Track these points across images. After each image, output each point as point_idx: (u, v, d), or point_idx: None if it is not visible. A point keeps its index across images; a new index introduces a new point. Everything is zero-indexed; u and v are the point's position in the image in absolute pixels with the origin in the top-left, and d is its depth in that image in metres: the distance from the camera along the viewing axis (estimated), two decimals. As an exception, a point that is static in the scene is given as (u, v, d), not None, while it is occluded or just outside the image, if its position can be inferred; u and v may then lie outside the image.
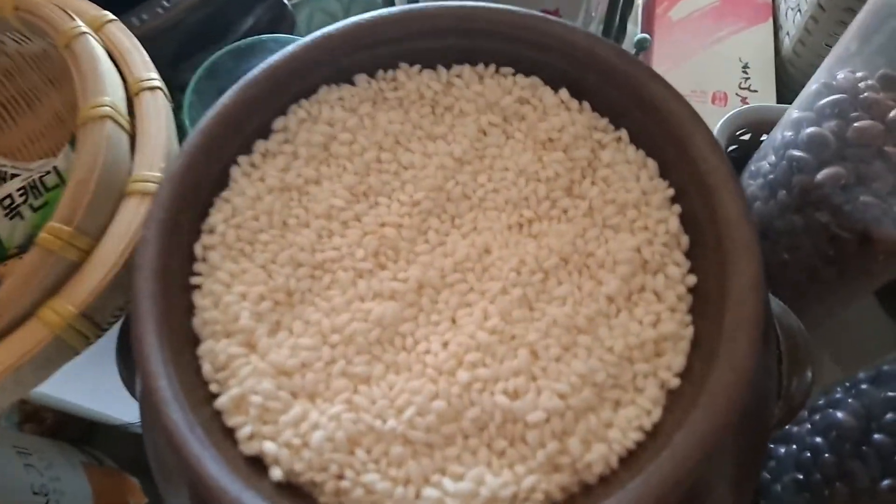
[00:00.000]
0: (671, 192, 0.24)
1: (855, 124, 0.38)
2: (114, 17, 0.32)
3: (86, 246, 0.26)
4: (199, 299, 0.23)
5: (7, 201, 0.34)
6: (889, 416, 0.34)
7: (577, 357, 0.22)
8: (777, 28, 0.55)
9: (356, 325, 0.23)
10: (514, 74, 0.26)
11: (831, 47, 0.41)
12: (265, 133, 0.25)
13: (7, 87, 0.37)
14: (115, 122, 0.28)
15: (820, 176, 0.39)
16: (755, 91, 0.52)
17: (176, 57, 0.43)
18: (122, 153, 0.28)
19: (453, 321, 0.23)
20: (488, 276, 0.24)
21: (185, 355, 0.22)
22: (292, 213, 0.24)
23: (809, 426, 0.37)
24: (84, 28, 0.30)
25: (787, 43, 0.54)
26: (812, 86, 0.40)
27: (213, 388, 0.22)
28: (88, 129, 0.27)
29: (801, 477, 0.36)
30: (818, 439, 0.36)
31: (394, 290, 0.23)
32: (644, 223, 0.23)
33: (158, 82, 0.31)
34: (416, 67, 0.26)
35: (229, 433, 0.21)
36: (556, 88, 0.26)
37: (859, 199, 0.38)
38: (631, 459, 0.21)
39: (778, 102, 0.52)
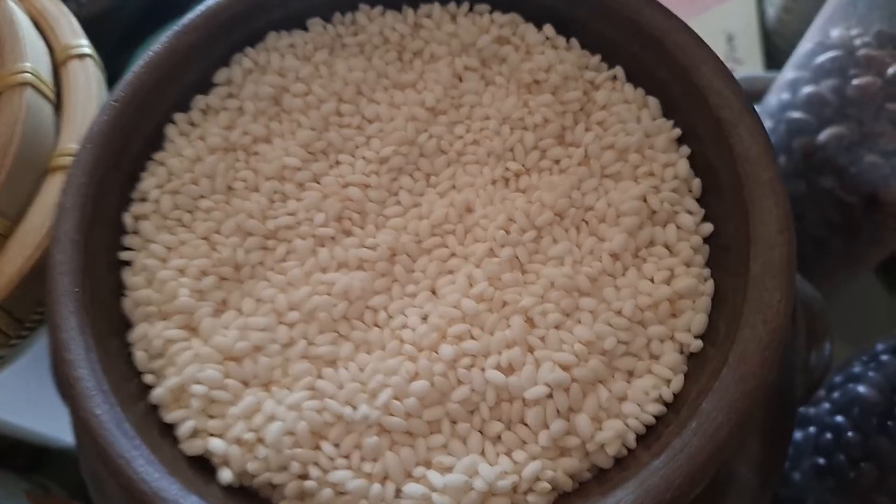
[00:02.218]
0: (678, 131, 0.21)
1: (854, 81, 0.35)
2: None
3: (3, 229, 0.23)
4: (129, 277, 0.19)
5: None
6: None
7: (581, 322, 0.19)
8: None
9: (318, 299, 0.19)
10: (490, 12, 0.23)
11: (818, 13, 0.38)
12: (205, 87, 0.22)
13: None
14: (37, 90, 0.25)
15: (822, 136, 0.36)
16: (742, 63, 0.50)
17: (122, 41, 0.39)
18: (45, 125, 0.25)
19: (433, 292, 0.20)
20: (472, 238, 0.20)
21: (113, 343, 0.18)
22: (238, 176, 0.21)
23: (829, 405, 0.34)
24: (1, -9, 0.27)
25: (771, 13, 0.51)
26: (806, 45, 0.38)
27: (148, 379, 0.18)
28: (6, 97, 0.24)
29: (823, 461, 0.33)
30: (839, 418, 0.33)
31: (362, 259, 0.20)
32: (649, 168, 0.20)
33: (88, 49, 0.27)
34: (379, 8, 0.23)
35: (168, 431, 0.18)
36: (539, 25, 0.23)
37: (865, 160, 0.36)
38: (651, 437, 0.17)
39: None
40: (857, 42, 0.36)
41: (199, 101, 0.22)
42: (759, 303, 0.17)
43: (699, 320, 0.18)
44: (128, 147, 0.20)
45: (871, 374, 0.33)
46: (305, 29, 0.23)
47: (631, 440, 0.17)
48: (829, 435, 0.33)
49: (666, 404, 0.18)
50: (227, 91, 0.22)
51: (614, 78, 0.22)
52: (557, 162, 0.21)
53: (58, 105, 0.26)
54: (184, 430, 0.17)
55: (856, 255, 0.40)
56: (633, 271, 0.19)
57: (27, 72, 0.24)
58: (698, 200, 0.20)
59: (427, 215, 0.21)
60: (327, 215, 0.20)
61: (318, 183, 0.21)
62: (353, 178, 0.21)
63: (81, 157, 0.19)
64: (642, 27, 0.21)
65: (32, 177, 0.24)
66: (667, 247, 0.20)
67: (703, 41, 0.20)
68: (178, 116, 0.21)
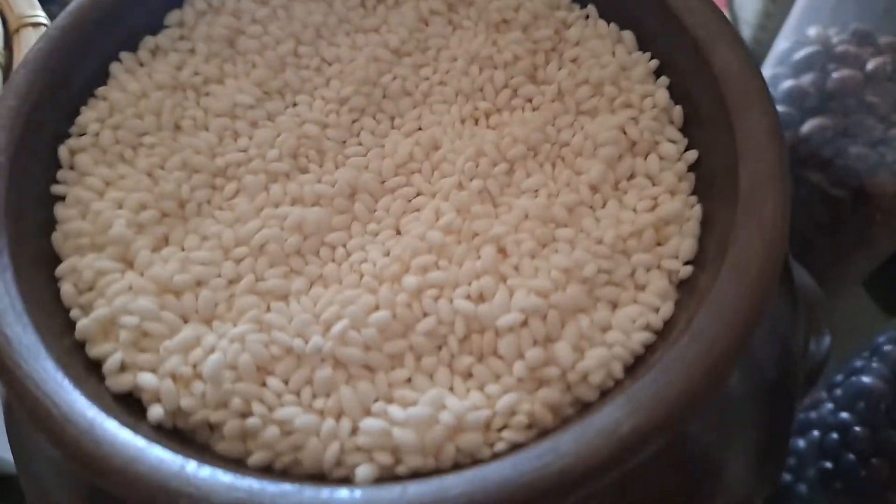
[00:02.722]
0: (655, 62, 0.19)
1: (834, 74, 0.35)
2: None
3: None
4: (61, 210, 0.18)
5: None
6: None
7: (558, 252, 0.17)
8: (734, 18, 0.54)
9: (268, 232, 0.17)
10: (458, -45, 0.22)
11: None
12: (155, 30, 0.21)
13: None
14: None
15: (805, 128, 0.36)
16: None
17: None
18: (-12, 85, 0.23)
19: (397, 231, 0.18)
20: (439, 175, 0.19)
21: (37, 277, 0.16)
22: (187, 115, 0.19)
23: (831, 405, 0.32)
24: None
25: (746, 31, 0.52)
26: (783, 43, 0.38)
27: (74, 313, 0.16)
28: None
29: (830, 465, 0.31)
30: (844, 415, 0.30)
31: (318, 195, 0.18)
32: (626, 99, 0.19)
33: (44, 19, 0.26)
34: (341, -45, 0.22)
35: (94, 369, 0.16)
36: (507, -32, 0.22)
37: (850, 151, 0.35)
38: (640, 370, 0.15)
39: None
40: (835, 39, 0.36)
41: (149, 41, 0.20)
42: (751, 212, 0.15)
43: (687, 245, 0.17)
44: (68, 79, 0.19)
45: (874, 364, 0.31)
46: (264, -27, 0.22)
47: (617, 370, 0.15)
48: (834, 435, 0.31)
49: (655, 332, 0.16)
50: (178, 33, 0.21)
51: (587, 17, 0.21)
52: (530, 100, 0.20)
53: (9, 70, 0.24)
54: (110, 363, 0.15)
55: (844, 258, 0.38)
56: (613, 203, 0.18)
57: (-29, 29, 0.23)
58: (681, 131, 0.19)
59: (391, 154, 0.19)
60: (281, 151, 0.19)
61: (272, 122, 0.20)
62: (311, 115, 0.19)
63: (14, 80, 0.18)
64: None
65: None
66: (649, 177, 0.18)
67: (677, -32, 0.19)
68: (125, 55, 0.20)
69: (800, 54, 0.36)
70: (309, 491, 0.12)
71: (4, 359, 0.14)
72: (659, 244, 0.17)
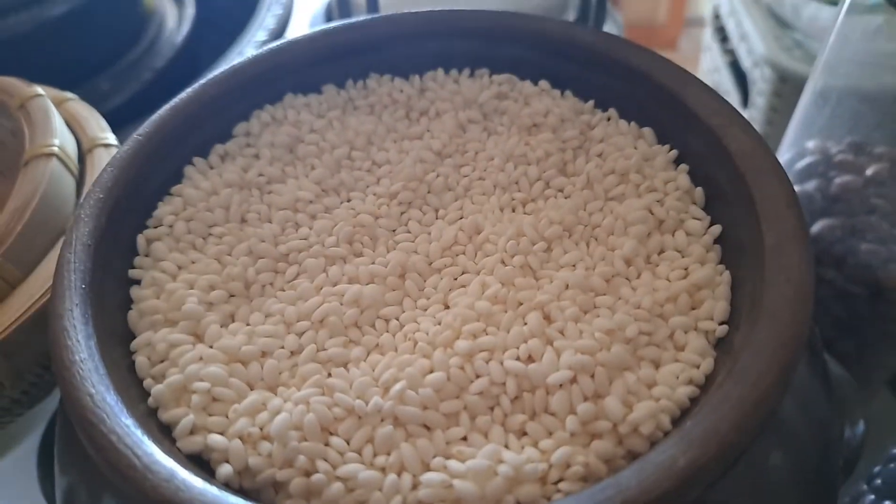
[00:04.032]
0: (675, 152, 0.21)
1: (836, 180, 0.37)
2: (73, 95, 0.32)
3: (12, 278, 0.23)
4: (136, 291, 0.19)
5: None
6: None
7: (600, 316, 0.18)
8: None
9: (328, 306, 0.19)
10: (490, 75, 0.25)
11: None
12: (224, 138, 0.23)
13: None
14: (62, 162, 0.26)
15: (814, 229, 0.37)
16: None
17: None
18: (66, 194, 0.26)
19: (446, 305, 0.19)
20: (482, 255, 0.20)
21: (115, 352, 0.18)
22: (252, 209, 0.21)
23: (873, 496, 0.31)
24: (40, 91, 0.29)
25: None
26: (784, 155, 0.40)
27: (148, 383, 0.17)
28: (32, 164, 0.25)
29: (883, 561, 0.30)
30: (888, 503, 0.30)
31: (373, 274, 0.20)
32: (650, 184, 0.21)
33: (113, 140, 0.29)
34: (388, 76, 0.25)
35: (166, 434, 0.16)
36: (535, 82, 0.24)
37: (861, 248, 0.36)
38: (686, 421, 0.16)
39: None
40: (833, 150, 0.38)
41: (218, 148, 0.23)
42: (779, 267, 0.16)
43: (721, 307, 0.18)
44: (147, 178, 0.21)
45: None
46: (320, 93, 0.25)
47: (665, 421, 0.16)
48: (882, 528, 0.30)
49: (699, 387, 0.17)
50: (245, 141, 0.23)
51: (609, 118, 0.23)
52: (561, 190, 0.22)
53: (82, 184, 0.27)
54: (183, 424, 0.16)
55: (866, 358, 0.39)
56: (647, 274, 0.19)
57: (55, 146, 0.26)
58: (704, 209, 0.20)
59: (437, 238, 0.21)
60: (338, 238, 0.20)
61: (330, 214, 0.21)
62: (364, 208, 0.21)
63: (102, 177, 0.20)
64: (630, 66, 0.22)
65: (48, 238, 0.24)
66: (678, 251, 0.20)
67: (684, 69, 0.22)
68: (197, 159, 0.22)
69: (801, 164, 0.39)
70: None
71: (89, 414, 0.15)
72: (693, 308, 0.18)
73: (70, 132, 0.29)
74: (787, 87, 0.45)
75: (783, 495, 0.18)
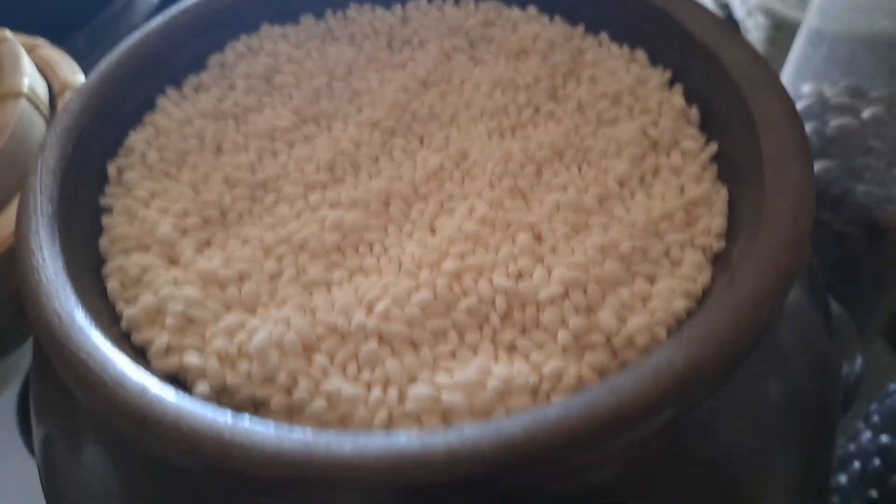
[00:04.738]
0: (668, 74, 0.21)
1: (833, 122, 0.37)
2: (44, 41, 0.30)
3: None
4: (108, 219, 0.18)
5: None
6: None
7: (593, 235, 0.17)
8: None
9: (308, 231, 0.18)
10: (475, 2, 0.24)
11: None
12: (198, 69, 0.22)
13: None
14: (32, 103, 0.25)
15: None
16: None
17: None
18: (36, 137, 0.25)
19: (432, 231, 0.19)
20: (471, 179, 0.19)
21: (85, 279, 0.17)
22: (227, 140, 0.20)
23: (870, 432, 0.31)
24: (8, 35, 0.28)
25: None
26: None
27: (120, 306, 0.16)
28: (0, 105, 0.24)
29: (875, 494, 0.29)
30: (884, 438, 0.29)
31: (355, 200, 0.19)
32: (644, 106, 0.20)
33: (87, 85, 0.28)
34: (368, 5, 0.24)
35: (140, 357, 0.16)
36: (522, 7, 0.23)
37: (857, 189, 0.36)
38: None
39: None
40: (829, 94, 0.38)
41: (192, 79, 0.22)
42: (779, 177, 0.16)
43: (718, 223, 0.17)
44: (117, 106, 0.20)
45: None
46: (298, 23, 0.24)
47: (661, 334, 0.15)
48: (876, 461, 0.29)
49: (696, 300, 0.16)
50: (220, 72, 0.22)
51: (600, 42, 0.22)
52: (552, 115, 0.21)
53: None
54: (157, 345, 0.15)
55: (863, 304, 0.38)
56: (641, 194, 0.18)
57: (23, 86, 0.25)
58: (700, 129, 0.20)
59: (422, 166, 0.20)
60: (318, 165, 0.20)
61: (309, 143, 0.21)
62: (346, 136, 0.21)
63: (68, 105, 0.19)
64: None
65: (16, 180, 0.23)
66: (673, 170, 0.19)
67: (677, -11, 0.21)
68: (170, 90, 0.21)
69: (797, 107, 0.38)
70: (364, 436, 0.12)
71: (57, 333, 0.14)
72: (690, 224, 0.17)
73: (42, 77, 0.28)
74: (782, 35, 0.45)
75: (780, 426, 0.17)
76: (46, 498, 0.19)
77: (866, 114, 0.36)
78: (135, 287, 0.17)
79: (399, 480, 0.12)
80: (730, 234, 0.17)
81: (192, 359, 0.15)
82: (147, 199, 0.19)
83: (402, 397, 0.15)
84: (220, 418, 0.13)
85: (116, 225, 0.18)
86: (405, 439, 0.12)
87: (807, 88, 0.38)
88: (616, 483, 0.14)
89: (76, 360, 0.14)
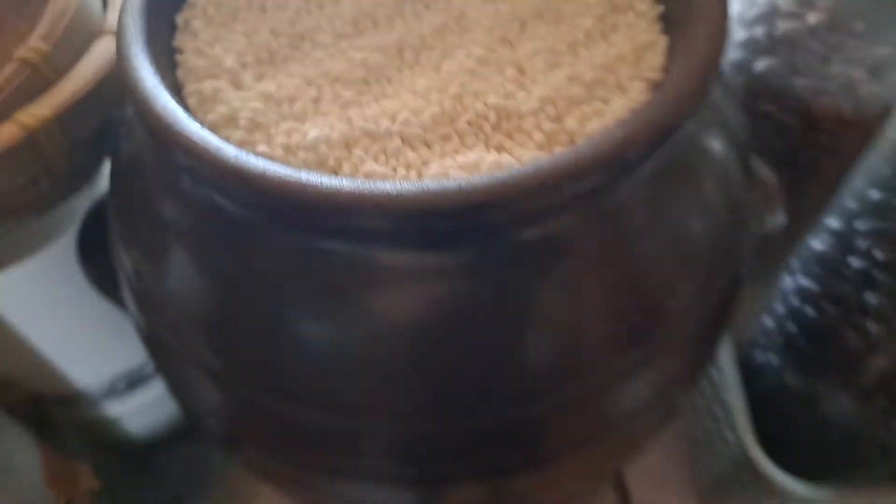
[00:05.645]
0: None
1: (781, 25, 0.41)
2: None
3: (54, 75, 0.26)
4: (181, 57, 0.23)
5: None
6: (861, 242, 0.34)
7: (563, 68, 0.22)
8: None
9: (340, 66, 0.23)
10: None
11: None
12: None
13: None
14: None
15: (756, 67, 0.42)
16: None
17: None
18: (93, 6, 0.29)
19: (437, 69, 0.24)
20: (468, 33, 0.24)
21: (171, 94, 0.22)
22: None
23: (789, 278, 0.37)
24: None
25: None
26: (736, 7, 0.44)
27: (200, 116, 0.21)
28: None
29: (794, 328, 0.36)
30: (801, 279, 0.36)
31: (375, 46, 0.24)
32: (606, -26, 0.25)
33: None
34: None
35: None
36: None
37: (796, 83, 0.41)
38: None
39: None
40: (781, 2, 0.42)
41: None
42: (701, 25, 0.21)
43: (658, 60, 0.22)
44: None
45: (821, 234, 0.36)
46: None
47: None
48: (794, 301, 0.36)
49: (638, 114, 0.21)
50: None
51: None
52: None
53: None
54: (234, 140, 0.20)
55: (802, 190, 0.44)
56: (602, 43, 0.23)
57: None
58: (650, -4, 0.25)
59: (429, 23, 0.25)
60: (344, 20, 0.24)
61: (336, 4, 0.25)
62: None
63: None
64: None
65: (83, 41, 0.28)
66: (628, 26, 0.24)
67: None
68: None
69: (751, 13, 0.43)
70: (400, 182, 0.17)
71: (169, 121, 0.19)
72: (637, 62, 0.23)
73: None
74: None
75: (695, 248, 0.23)
76: (140, 308, 0.25)
77: (811, 19, 0.41)
78: (210, 103, 0.22)
79: (422, 205, 0.17)
80: (666, 69, 0.22)
81: (262, 148, 0.20)
82: (211, 42, 0.23)
83: (419, 174, 0.20)
84: (297, 172, 0.18)
85: (189, 61, 0.23)
86: (429, 183, 0.17)
87: (761, -2, 0.43)
88: (562, 237, 0.19)
89: (188, 139, 0.19)
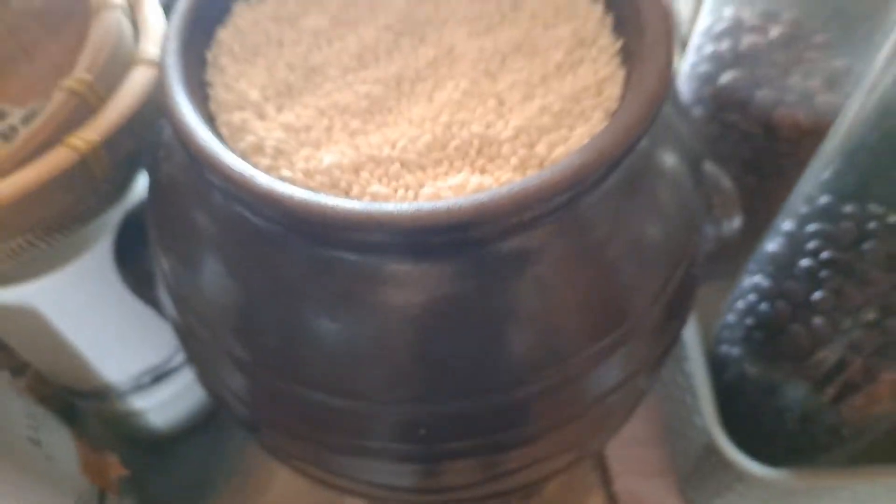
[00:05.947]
0: (594, -8, 0.29)
1: (745, 39, 0.45)
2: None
3: (95, 102, 0.30)
4: (212, 91, 0.27)
5: (7, 130, 0.38)
6: (810, 243, 0.38)
7: (536, 100, 0.26)
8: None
9: (348, 98, 0.27)
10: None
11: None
12: (257, -14, 0.31)
13: (9, 41, 0.42)
14: (123, 12, 0.33)
15: (722, 79, 0.46)
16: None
17: None
18: (127, 37, 0.33)
19: (430, 99, 0.28)
20: (456, 65, 0.28)
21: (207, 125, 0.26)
22: (286, 36, 0.29)
23: (748, 277, 0.41)
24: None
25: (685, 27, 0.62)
26: (705, 21, 0.48)
27: (231, 144, 0.25)
28: (101, 13, 0.32)
29: (751, 322, 0.40)
30: (756, 278, 0.40)
31: (377, 79, 0.28)
32: (573, 13, 0.29)
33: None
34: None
35: (249, 174, 0.25)
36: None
37: (758, 94, 0.45)
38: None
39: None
40: (746, 16, 0.46)
41: (254, -7, 0.30)
42: (650, 60, 0.25)
43: (616, 91, 0.26)
44: (208, 10, 0.28)
45: (777, 237, 0.40)
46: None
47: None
48: (752, 297, 0.40)
49: (599, 140, 0.25)
50: (273, -12, 0.31)
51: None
52: (514, 21, 0.30)
53: (135, 24, 0.34)
54: (262, 165, 0.24)
55: (768, 194, 0.47)
56: (570, 75, 0.28)
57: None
58: (613, 32, 0.29)
59: (423, 57, 0.29)
60: (350, 55, 0.28)
61: (343, 41, 0.29)
62: (369, 34, 0.29)
63: (177, 10, 0.27)
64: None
65: (120, 68, 0.32)
66: (593, 60, 0.28)
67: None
68: (240, 3, 0.30)
69: (718, 27, 0.46)
70: (399, 203, 0.22)
71: (206, 149, 0.23)
72: (599, 94, 0.27)
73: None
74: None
75: (654, 252, 0.27)
76: (176, 306, 0.28)
77: (773, 33, 0.44)
78: (240, 133, 0.26)
79: (418, 223, 0.21)
80: (622, 98, 0.26)
81: (286, 172, 0.24)
82: (237, 77, 0.27)
83: (416, 195, 0.24)
84: (317, 196, 0.22)
85: (219, 94, 0.27)
86: (423, 204, 0.22)
87: (728, 12, 0.46)
88: (536, 247, 0.23)
89: (227, 167, 0.23)
